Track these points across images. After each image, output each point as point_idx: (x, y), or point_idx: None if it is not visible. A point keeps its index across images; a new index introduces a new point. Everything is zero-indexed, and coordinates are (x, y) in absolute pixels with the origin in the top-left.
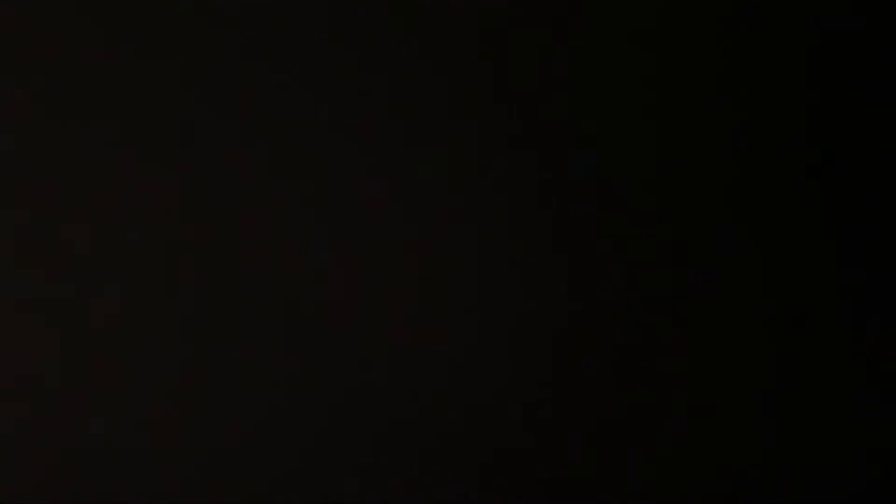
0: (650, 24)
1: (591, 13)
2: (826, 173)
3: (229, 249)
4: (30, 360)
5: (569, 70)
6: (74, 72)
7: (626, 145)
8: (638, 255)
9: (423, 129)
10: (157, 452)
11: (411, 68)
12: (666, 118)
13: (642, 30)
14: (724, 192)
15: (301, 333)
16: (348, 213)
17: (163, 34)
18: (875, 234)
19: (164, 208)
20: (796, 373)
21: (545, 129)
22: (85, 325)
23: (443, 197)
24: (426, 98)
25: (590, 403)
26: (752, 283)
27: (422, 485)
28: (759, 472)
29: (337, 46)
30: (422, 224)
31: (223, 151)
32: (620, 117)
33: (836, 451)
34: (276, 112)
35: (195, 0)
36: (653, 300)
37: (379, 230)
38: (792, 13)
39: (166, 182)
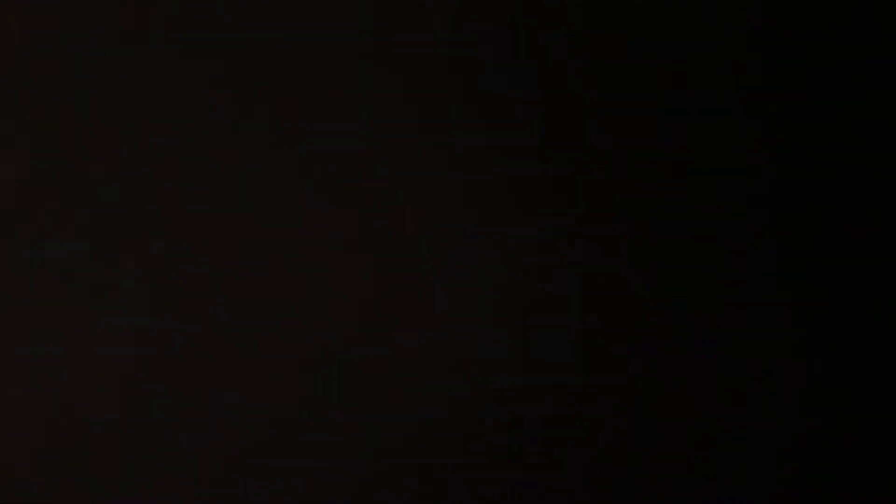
0: (661, 19)
1: (605, 9)
2: (839, 170)
3: (237, 248)
4: (35, 361)
5: (582, 64)
6: (85, 68)
7: (640, 140)
8: (653, 253)
9: (435, 126)
10: (163, 455)
11: (425, 65)
12: (683, 115)
13: (653, 25)
14: (739, 184)
15: (308, 332)
16: (358, 210)
17: (175, 29)
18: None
19: (172, 207)
20: (813, 374)
21: (560, 124)
22: (87, 325)
23: (454, 193)
24: (438, 95)
25: (602, 404)
26: (767, 278)
27: (431, 488)
28: (775, 474)
29: (348, 42)
30: (434, 221)
31: (230, 149)
32: (636, 111)
33: (848, 453)
34: (282, 108)
35: None
36: (666, 299)
37: (388, 228)
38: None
39: (174, 181)
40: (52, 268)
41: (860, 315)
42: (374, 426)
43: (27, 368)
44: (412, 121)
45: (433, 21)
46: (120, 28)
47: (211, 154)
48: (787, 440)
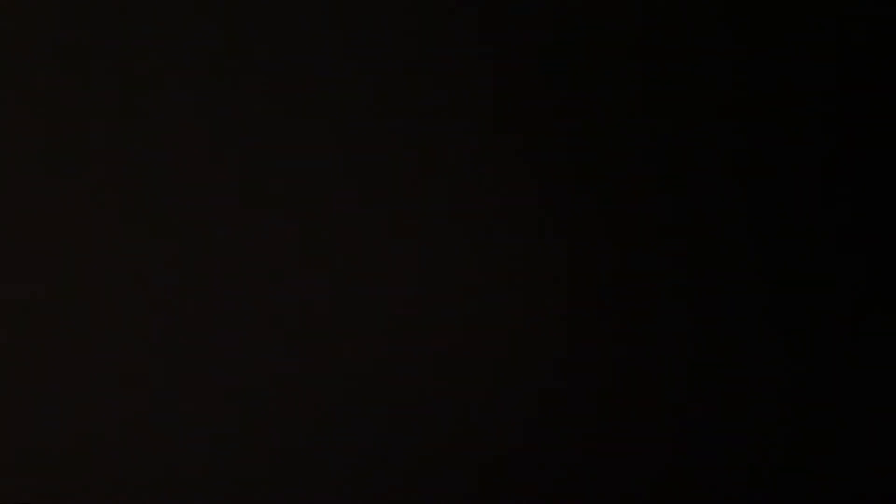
0: (651, 20)
1: (593, 11)
2: (830, 171)
3: (228, 252)
4: (31, 360)
5: (566, 66)
6: (74, 71)
7: (626, 143)
8: (639, 255)
9: (419, 129)
10: (154, 454)
11: (406, 68)
12: (670, 116)
13: (643, 26)
14: (726, 188)
15: (296, 337)
16: (342, 214)
17: (158, 31)
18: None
19: (154, 212)
20: (802, 373)
21: (545, 128)
22: (84, 327)
23: (438, 196)
24: (421, 97)
25: (589, 407)
26: (754, 281)
27: (418, 488)
28: (765, 474)
29: (331, 47)
30: (417, 225)
31: (218, 153)
32: (622, 114)
33: (842, 451)
34: (269, 112)
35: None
36: (654, 301)
37: (374, 232)
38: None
39: (156, 183)
40: (53, 266)
41: (855, 314)
42: (371, 425)
43: (25, 369)
44: (399, 121)
45: (426, 21)
46: (119, 29)
47: (210, 154)
48: (781, 441)
